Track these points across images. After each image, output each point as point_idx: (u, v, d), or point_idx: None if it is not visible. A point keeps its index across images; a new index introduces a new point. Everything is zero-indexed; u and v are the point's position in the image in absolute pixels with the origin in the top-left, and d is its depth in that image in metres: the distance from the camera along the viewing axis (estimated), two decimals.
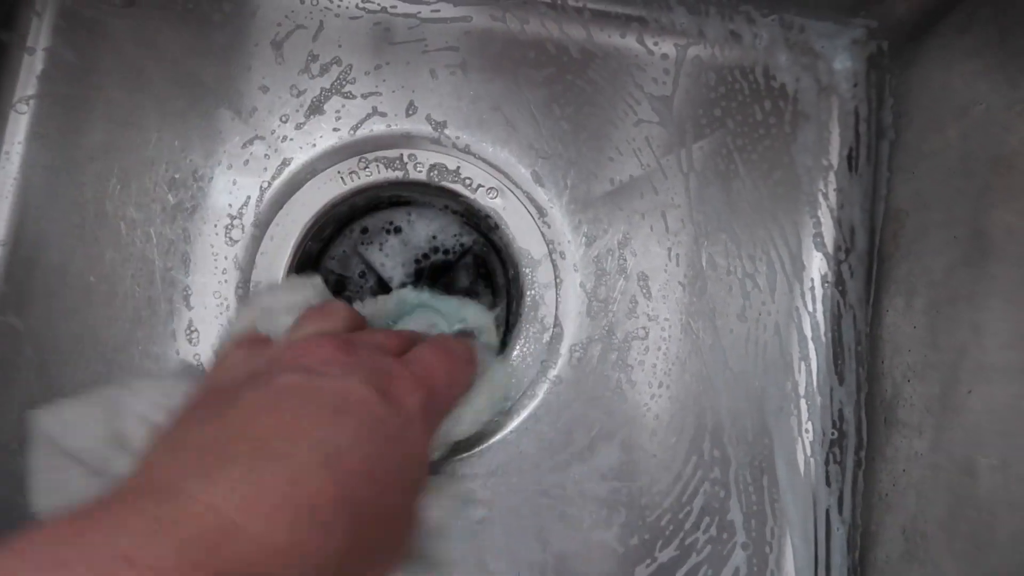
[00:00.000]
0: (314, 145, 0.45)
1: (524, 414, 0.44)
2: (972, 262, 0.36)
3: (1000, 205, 0.34)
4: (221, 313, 0.44)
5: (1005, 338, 0.33)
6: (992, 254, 0.34)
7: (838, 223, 0.46)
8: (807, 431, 0.44)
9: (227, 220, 0.44)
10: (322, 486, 0.25)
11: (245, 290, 0.44)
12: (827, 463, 0.44)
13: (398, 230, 0.50)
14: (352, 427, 0.27)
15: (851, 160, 0.46)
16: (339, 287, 0.49)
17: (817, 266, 0.46)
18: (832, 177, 0.46)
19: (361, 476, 0.26)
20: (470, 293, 0.50)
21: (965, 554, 0.33)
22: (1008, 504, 0.31)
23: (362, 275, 0.50)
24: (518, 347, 0.45)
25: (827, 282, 0.46)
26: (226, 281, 0.44)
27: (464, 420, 0.36)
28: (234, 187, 0.45)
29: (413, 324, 0.42)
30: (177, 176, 0.44)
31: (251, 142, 0.45)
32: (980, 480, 0.33)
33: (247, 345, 0.35)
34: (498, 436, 0.44)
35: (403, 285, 0.50)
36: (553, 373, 0.44)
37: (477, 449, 0.44)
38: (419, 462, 0.31)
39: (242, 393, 0.28)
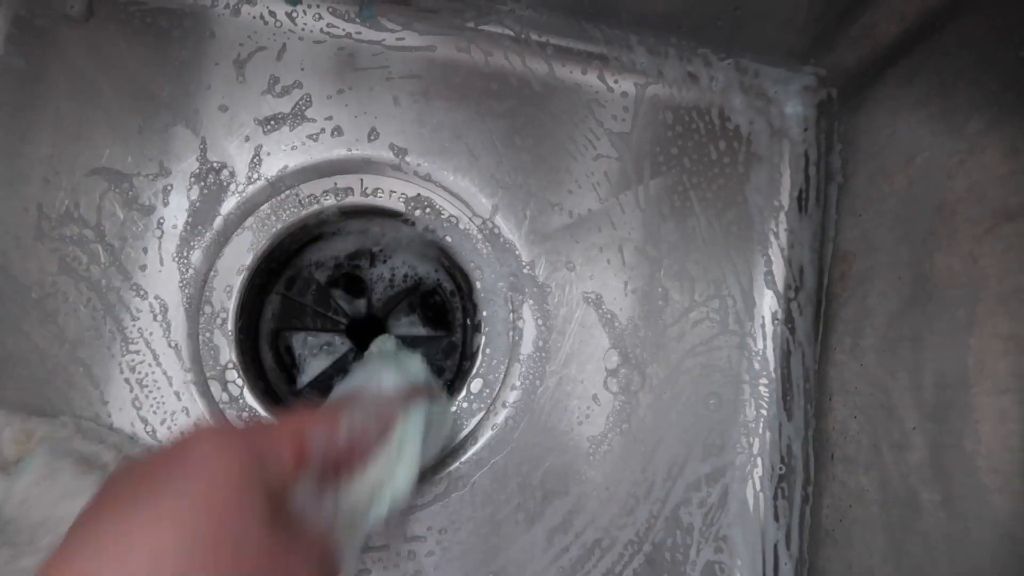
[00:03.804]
0: (273, 168, 0.45)
1: (479, 443, 0.44)
2: (916, 303, 0.37)
3: (944, 249, 0.36)
4: (167, 333, 0.42)
5: (947, 378, 0.34)
6: (935, 296, 0.36)
7: (788, 262, 0.47)
8: (756, 466, 0.45)
9: (179, 240, 0.43)
10: None
11: (196, 315, 0.43)
12: (775, 498, 0.44)
13: (355, 255, 0.49)
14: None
15: (801, 201, 0.48)
16: (292, 311, 0.48)
17: (768, 304, 0.47)
18: (783, 217, 0.48)
19: None
20: (428, 319, 0.49)
21: None
22: (947, 537, 0.32)
23: (316, 300, 0.49)
24: (474, 377, 0.44)
25: (777, 320, 0.47)
26: (177, 303, 0.43)
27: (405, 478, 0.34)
28: (188, 206, 0.44)
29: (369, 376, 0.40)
30: (130, 193, 0.43)
31: (208, 162, 0.44)
32: (923, 515, 0.34)
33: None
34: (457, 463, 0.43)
35: (361, 309, 0.49)
36: (506, 407, 0.44)
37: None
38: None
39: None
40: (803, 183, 0.48)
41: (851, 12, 0.43)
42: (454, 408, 0.44)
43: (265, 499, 0.25)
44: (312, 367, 0.48)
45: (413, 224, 0.46)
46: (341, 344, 0.48)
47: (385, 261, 0.49)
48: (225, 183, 0.44)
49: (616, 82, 0.48)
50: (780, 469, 0.45)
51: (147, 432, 0.41)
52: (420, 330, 0.49)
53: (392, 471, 0.33)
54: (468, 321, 0.48)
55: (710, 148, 0.48)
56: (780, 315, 0.47)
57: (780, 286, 0.47)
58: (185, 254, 0.43)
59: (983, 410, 0.32)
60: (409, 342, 0.49)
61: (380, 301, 0.49)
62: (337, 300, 0.49)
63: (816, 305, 0.46)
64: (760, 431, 0.45)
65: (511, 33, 0.47)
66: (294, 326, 0.48)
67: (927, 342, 0.36)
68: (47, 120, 0.44)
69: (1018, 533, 0.29)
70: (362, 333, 0.49)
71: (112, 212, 0.43)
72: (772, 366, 0.46)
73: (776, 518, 0.44)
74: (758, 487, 0.45)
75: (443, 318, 0.49)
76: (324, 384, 0.48)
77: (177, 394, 0.42)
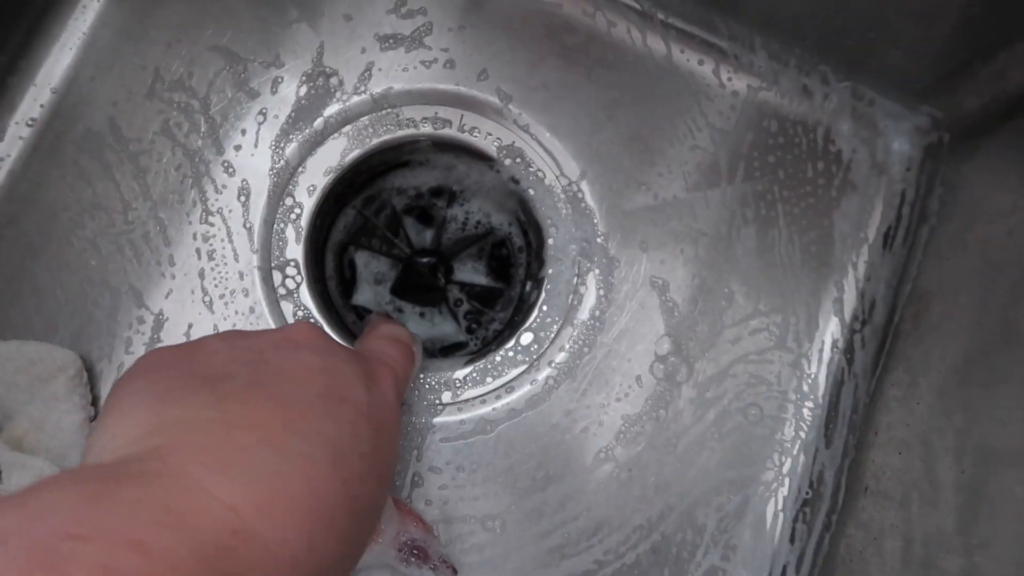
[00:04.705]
0: (380, 85, 0.45)
1: (514, 394, 0.44)
2: (992, 349, 0.36)
3: None
4: (245, 213, 0.43)
5: (1013, 425, 0.33)
6: (1014, 343, 0.35)
7: (861, 295, 0.46)
8: (783, 485, 0.44)
9: (279, 130, 0.44)
10: (336, 491, 0.24)
11: (276, 204, 0.44)
12: (795, 520, 0.43)
13: (437, 191, 0.50)
14: (350, 420, 0.27)
15: (887, 238, 0.47)
16: (363, 229, 0.49)
17: (831, 330, 0.46)
18: (865, 250, 0.47)
19: (361, 475, 0.26)
20: (491, 269, 0.50)
21: None
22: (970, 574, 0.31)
23: (388, 224, 0.50)
24: (525, 330, 0.44)
25: (836, 348, 0.46)
26: (262, 188, 0.44)
27: None
28: (294, 101, 0.45)
29: None
30: (242, 76, 0.45)
31: (321, 65, 0.45)
32: (951, 553, 0.33)
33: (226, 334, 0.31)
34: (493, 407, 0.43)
35: (427, 245, 0.50)
36: (550, 366, 0.44)
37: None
38: (395, 449, 0.31)
39: (235, 370, 0.26)
40: (893, 220, 0.47)
41: (983, 53, 0.42)
42: (498, 358, 0.44)
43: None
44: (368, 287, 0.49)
45: (499, 171, 0.46)
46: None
47: (463, 203, 0.50)
48: (332, 89, 0.45)
49: (730, 80, 0.48)
50: (807, 493, 0.44)
51: (205, 302, 0.42)
52: (481, 278, 0.50)
53: None
54: (530, 280, 0.48)
55: (807, 166, 0.48)
56: (841, 344, 0.46)
57: (847, 316, 0.46)
58: (281, 145, 0.44)
59: None
60: (467, 288, 0.49)
61: (450, 241, 0.49)
62: (407, 230, 0.49)
63: (881, 340, 0.45)
64: (794, 452, 0.45)
65: (638, 7, 0.47)
66: (361, 244, 0.49)
67: (997, 388, 0.35)
68: None
69: None
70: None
71: (221, 89, 0.44)
72: (821, 391, 0.45)
73: (792, 540, 0.43)
74: (779, 506, 0.44)
75: (505, 271, 0.50)
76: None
77: (241, 274, 0.43)
